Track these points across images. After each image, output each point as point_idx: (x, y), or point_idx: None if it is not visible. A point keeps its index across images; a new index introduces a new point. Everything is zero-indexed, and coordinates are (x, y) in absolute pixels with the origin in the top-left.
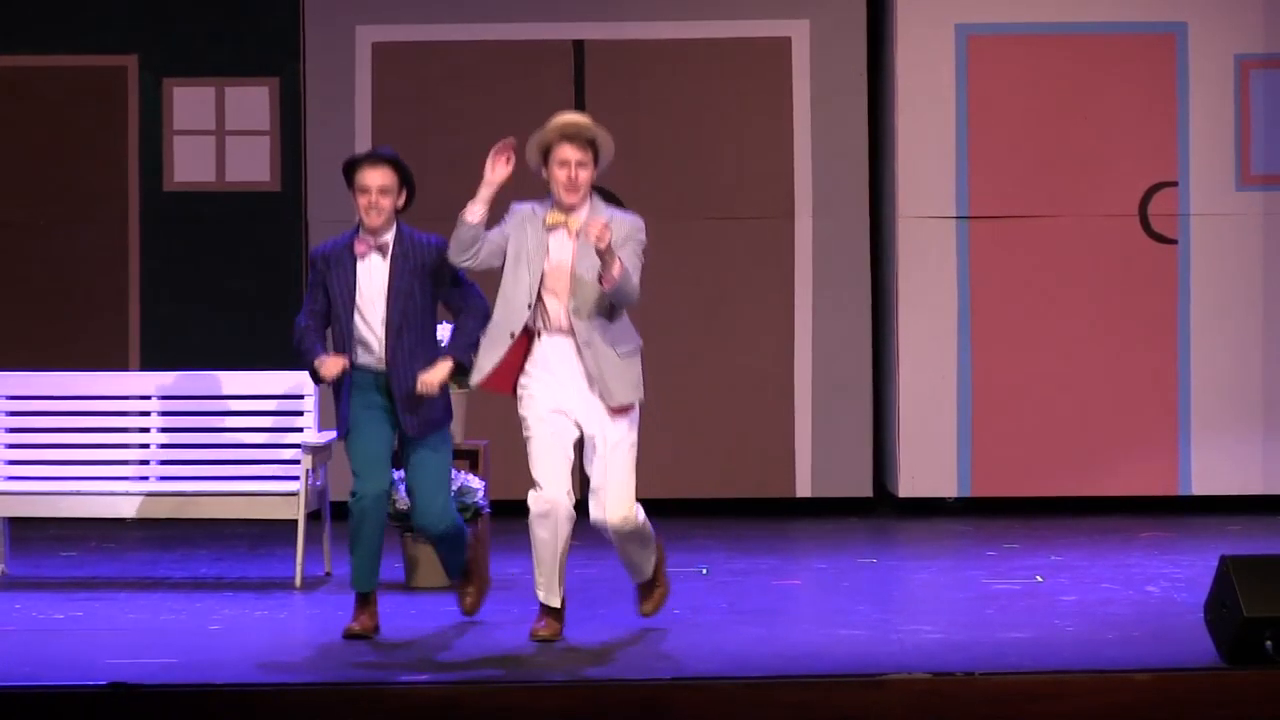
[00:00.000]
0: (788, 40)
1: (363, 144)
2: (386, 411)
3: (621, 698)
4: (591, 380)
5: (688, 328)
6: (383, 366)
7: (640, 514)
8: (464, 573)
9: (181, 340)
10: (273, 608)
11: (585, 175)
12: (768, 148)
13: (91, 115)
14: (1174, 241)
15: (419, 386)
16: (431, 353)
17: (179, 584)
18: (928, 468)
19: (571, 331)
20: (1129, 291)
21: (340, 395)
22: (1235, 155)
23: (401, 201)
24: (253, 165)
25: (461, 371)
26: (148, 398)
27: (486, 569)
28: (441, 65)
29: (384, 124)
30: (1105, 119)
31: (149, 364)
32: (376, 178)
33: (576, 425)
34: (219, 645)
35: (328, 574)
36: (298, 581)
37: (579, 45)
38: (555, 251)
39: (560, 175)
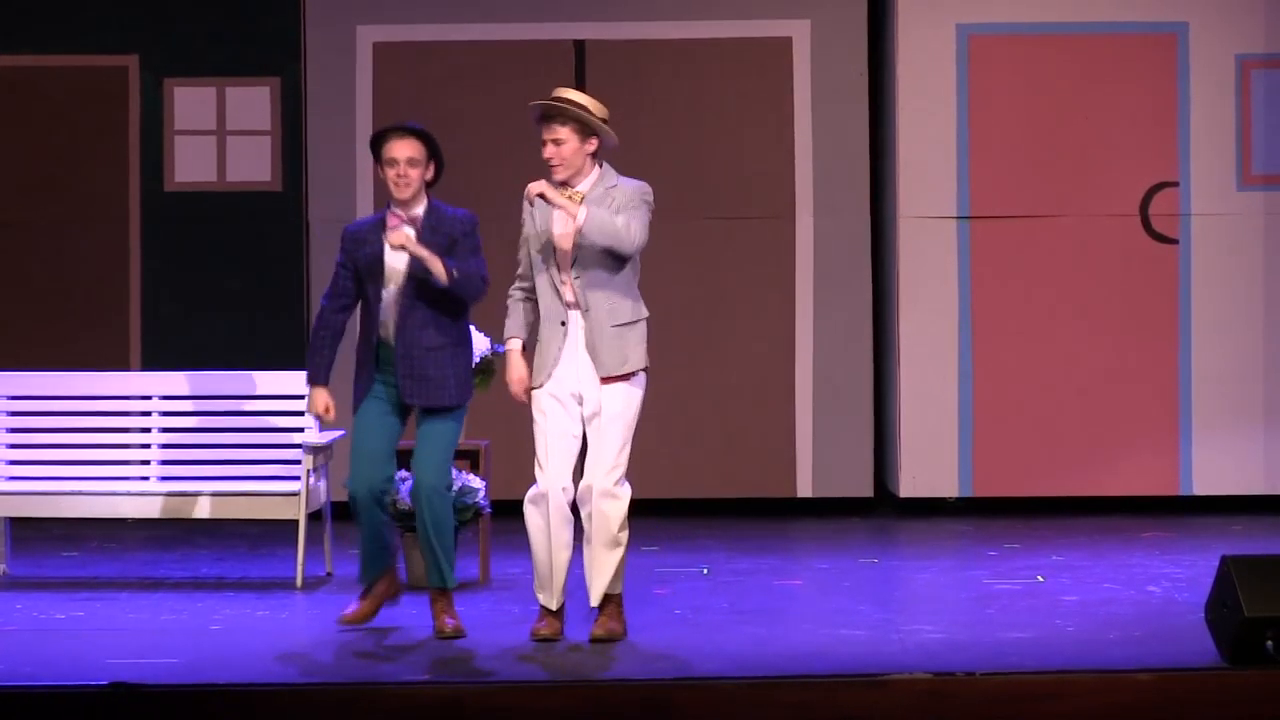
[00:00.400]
0: (788, 40)
1: (363, 144)
2: (392, 398)
3: (621, 698)
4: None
5: (688, 327)
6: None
7: (624, 500)
8: (445, 584)
9: (182, 340)
10: (274, 608)
11: (566, 150)
12: (768, 148)
13: (92, 115)
14: (1175, 241)
15: (394, 236)
16: (445, 332)
17: (180, 584)
18: (929, 467)
19: (576, 302)
20: (1129, 291)
21: (359, 371)
22: (1236, 155)
23: (430, 174)
24: (253, 165)
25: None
26: (148, 398)
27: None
28: (441, 65)
29: (385, 124)
30: (1105, 119)
31: (149, 364)
32: (404, 149)
33: (580, 400)
34: (220, 645)
35: (329, 574)
36: (299, 582)
37: (579, 45)
38: (558, 226)
39: (543, 153)
